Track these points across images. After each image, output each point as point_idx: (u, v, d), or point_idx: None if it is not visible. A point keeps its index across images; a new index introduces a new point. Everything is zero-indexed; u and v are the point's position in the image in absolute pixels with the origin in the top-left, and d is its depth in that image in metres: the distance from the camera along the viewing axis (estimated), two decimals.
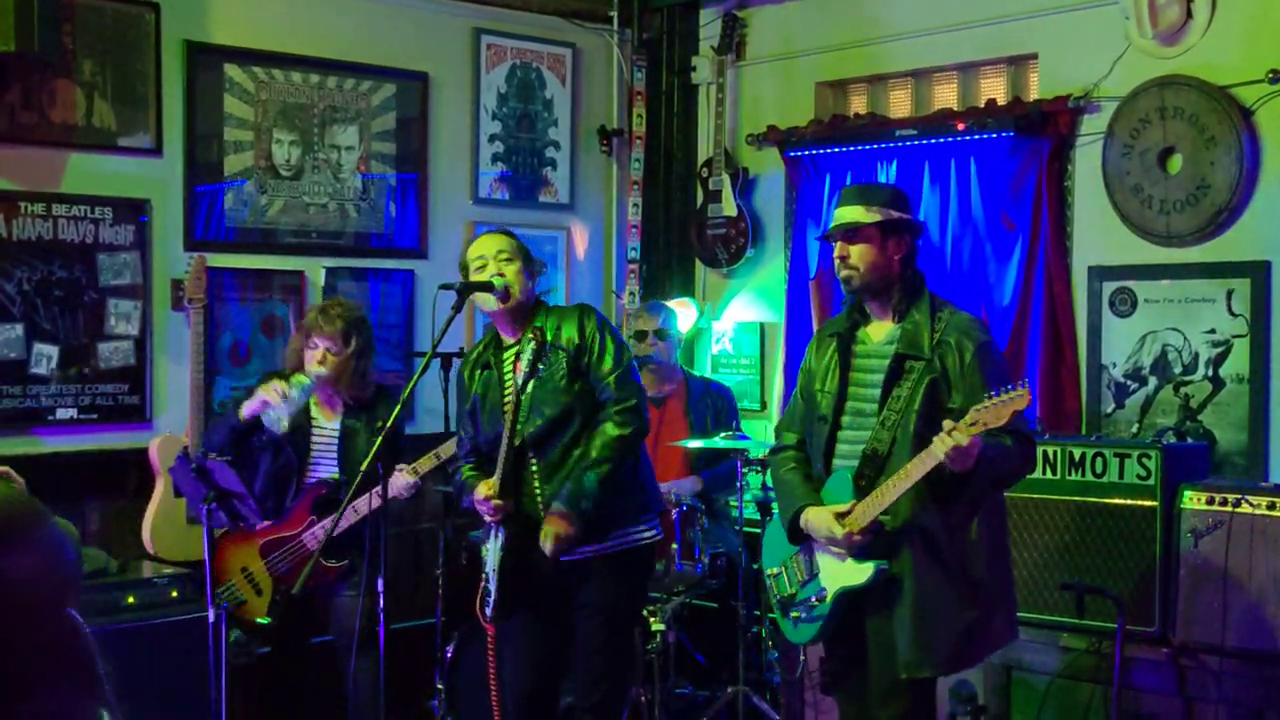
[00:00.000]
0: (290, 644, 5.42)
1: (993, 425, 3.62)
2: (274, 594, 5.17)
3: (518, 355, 4.36)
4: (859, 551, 3.95)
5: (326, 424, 5.23)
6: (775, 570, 4.31)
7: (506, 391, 4.43)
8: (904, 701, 4.00)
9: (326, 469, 5.20)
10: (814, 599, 4.09)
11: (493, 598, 4.38)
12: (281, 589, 5.15)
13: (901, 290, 4.11)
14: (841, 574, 4.01)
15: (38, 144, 5.46)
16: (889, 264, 4.09)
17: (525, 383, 4.26)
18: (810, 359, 4.33)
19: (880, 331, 4.16)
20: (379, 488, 4.56)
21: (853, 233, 4.09)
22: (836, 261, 4.16)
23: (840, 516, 3.94)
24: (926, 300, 4.09)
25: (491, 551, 4.43)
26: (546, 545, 4.26)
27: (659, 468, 6.16)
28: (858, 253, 4.08)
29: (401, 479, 4.98)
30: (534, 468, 4.43)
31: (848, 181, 6.38)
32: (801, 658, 5.51)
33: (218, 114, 5.91)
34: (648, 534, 4.52)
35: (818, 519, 4.01)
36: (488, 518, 4.41)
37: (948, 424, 3.66)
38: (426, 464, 5.04)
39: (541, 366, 4.25)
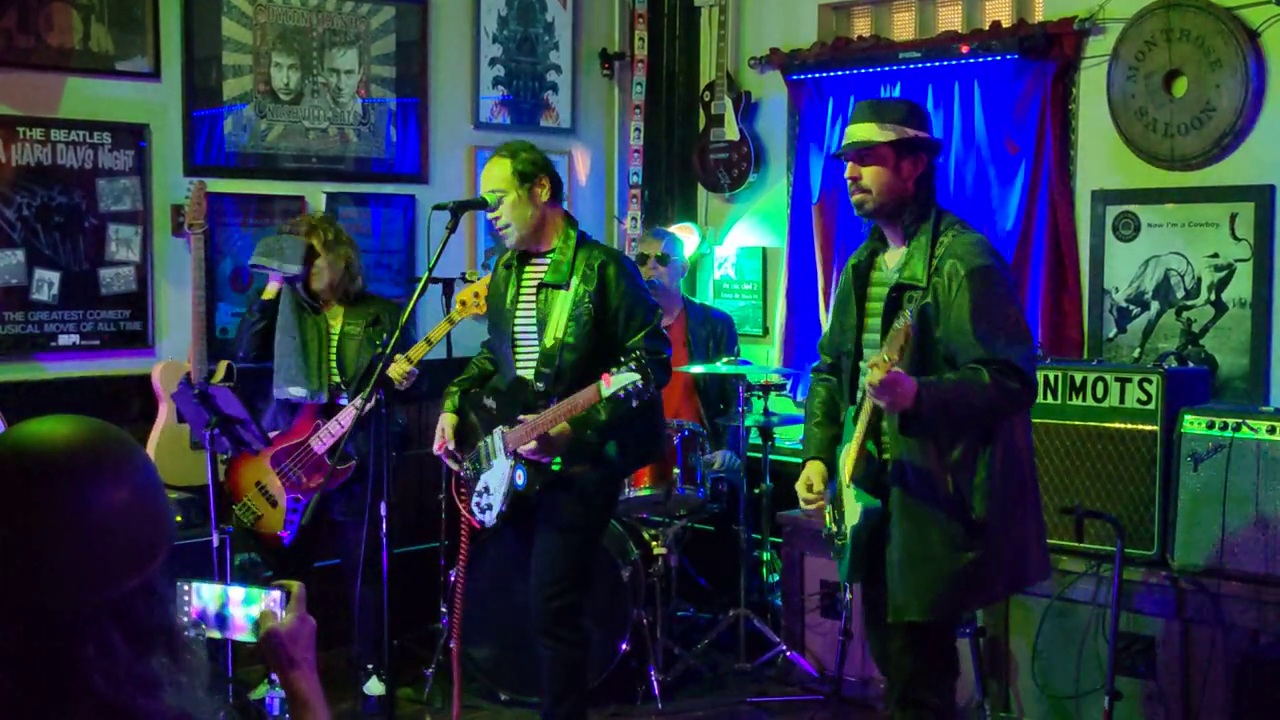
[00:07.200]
0: (295, 568, 5.49)
1: (897, 363, 3.42)
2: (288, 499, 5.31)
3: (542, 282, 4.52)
4: (859, 487, 3.84)
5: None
6: (826, 507, 4.18)
7: (520, 307, 4.57)
8: (902, 628, 3.87)
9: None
10: (838, 537, 3.98)
11: (497, 509, 4.50)
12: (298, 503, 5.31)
13: (913, 213, 3.84)
14: (850, 513, 3.88)
15: (35, 68, 5.42)
16: (903, 186, 3.81)
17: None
18: (841, 284, 4.11)
19: (894, 259, 3.90)
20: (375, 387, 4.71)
21: (865, 152, 3.81)
22: (849, 184, 3.87)
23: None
24: (932, 222, 3.82)
25: (500, 464, 4.48)
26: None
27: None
28: (870, 174, 3.81)
29: (398, 368, 4.98)
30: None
31: (850, 105, 6.34)
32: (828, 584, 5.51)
33: (215, 37, 5.86)
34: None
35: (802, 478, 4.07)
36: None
37: (869, 361, 3.52)
38: (420, 351, 5.02)
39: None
